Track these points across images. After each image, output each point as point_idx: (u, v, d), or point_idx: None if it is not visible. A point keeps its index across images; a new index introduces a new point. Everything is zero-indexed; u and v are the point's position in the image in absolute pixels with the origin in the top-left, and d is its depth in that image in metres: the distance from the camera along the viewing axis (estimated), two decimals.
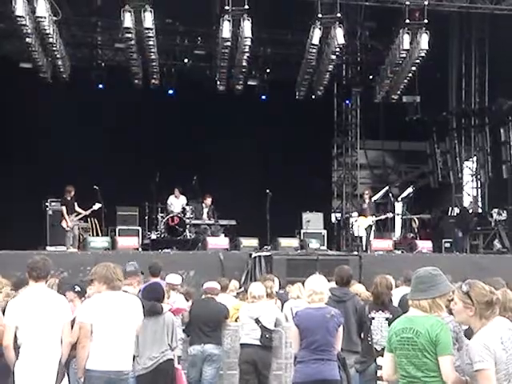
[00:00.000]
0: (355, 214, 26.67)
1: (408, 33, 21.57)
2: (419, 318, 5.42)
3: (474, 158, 28.75)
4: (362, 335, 9.32)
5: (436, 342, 5.29)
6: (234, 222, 21.62)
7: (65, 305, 7.42)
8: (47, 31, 19.72)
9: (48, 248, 19.14)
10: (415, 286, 5.51)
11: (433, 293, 5.42)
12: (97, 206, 19.81)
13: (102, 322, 7.41)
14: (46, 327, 7.15)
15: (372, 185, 30.01)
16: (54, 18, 19.95)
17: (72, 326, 7.43)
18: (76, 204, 19.76)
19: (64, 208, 19.67)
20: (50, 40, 20.24)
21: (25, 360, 7.08)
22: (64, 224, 19.64)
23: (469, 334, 5.76)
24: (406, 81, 23.50)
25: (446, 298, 5.47)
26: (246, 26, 20.59)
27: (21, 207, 21.32)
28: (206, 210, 21.60)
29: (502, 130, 27.04)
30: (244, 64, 22.52)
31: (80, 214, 19.85)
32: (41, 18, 19.13)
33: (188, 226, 21.49)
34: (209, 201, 21.55)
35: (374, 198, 26.20)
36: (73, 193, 19.84)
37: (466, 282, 5.36)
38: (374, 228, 22.51)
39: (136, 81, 23.22)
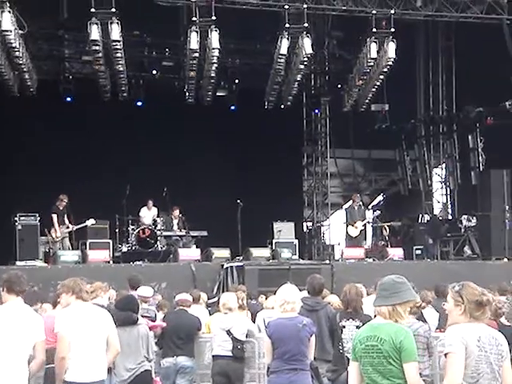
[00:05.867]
0: (327, 222, 26.81)
1: (375, 41, 21.69)
2: (383, 325, 5.41)
3: (443, 165, 28.95)
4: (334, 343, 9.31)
5: (400, 349, 5.28)
6: (205, 233, 21.57)
7: (39, 323, 7.33)
8: (13, 45, 19.56)
9: (18, 263, 18.94)
10: (378, 292, 5.54)
11: (393, 300, 5.41)
12: (90, 221, 19.74)
13: (78, 333, 7.44)
14: (17, 345, 7.04)
15: (343, 193, 30.15)
16: (20, 32, 19.79)
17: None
18: (66, 216, 19.68)
19: (55, 216, 19.53)
20: (17, 54, 20.08)
21: None
22: (53, 234, 19.51)
23: None
24: (374, 89, 23.62)
25: (408, 305, 5.47)
26: (214, 37, 20.60)
27: None
28: (175, 222, 21.57)
29: (469, 137, 27.24)
30: (212, 75, 22.51)
31: (69, 227, 19.74)
32: (6, 31, 18.99)
33: (159, 238, 21.41)
34: (177, 212, 21.53)
35: (369, 206, 26.74)
36: (65, 202, 19.70)
37: (460, 283, 5.43)
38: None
39: (104, 93, 23.12)
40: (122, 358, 8.91)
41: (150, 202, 21.71)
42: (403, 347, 5.28)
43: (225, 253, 20.49)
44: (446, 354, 5.19)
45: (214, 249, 20.61)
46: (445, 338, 5.25)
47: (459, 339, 5.17)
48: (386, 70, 22.28)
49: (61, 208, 19.79)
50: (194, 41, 20.70)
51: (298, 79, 23.36)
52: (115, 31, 20.02)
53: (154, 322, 11.00)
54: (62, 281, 17.19)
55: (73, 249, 20.40)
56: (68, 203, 19.79)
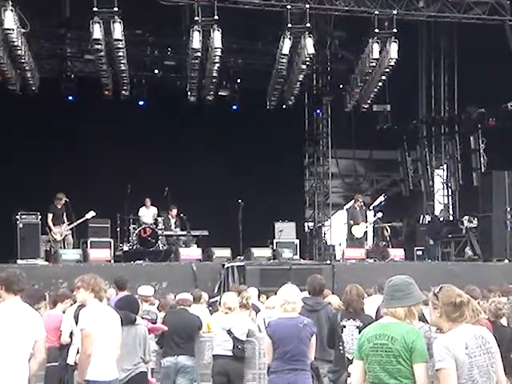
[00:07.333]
0: (328, 222, 26.80)
1: (377, 42, 21.70)
2: (394, 324, 5.41)
3: (445, 166, 28.94)
4: (335, 343, 9.29)
5: (412, 349, 5.28)
6: (206, 233, 21.55)
7: (39, 321, 7.32)
8: (15, 43, 19.57)
9: (19, 261, 18.94)
10: (391, 293, 5.50)
11: (409, 301, 5.43)
12: (90, 214, 19.72)
13: (100, 332, 7.52)
14: (17, 343, 7.01)
15: (344, 194, 30.13)
16: (23, 30, 19.79)
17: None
18: (66, 214, 19.63)
19: (50, 216, 19.48)
20: (19, 52, 20.08)
21: None
22: (54, 235, 19.44)
23: None
24: (376, 90, 23.62)
25: (419, 306, 5.48)
26: (216, 37, 20.61)
27: None
28: (173, 221, 21.54)
29: (471, 138, 27.24)
30: (214, 74, 22.50)
31: (71, 223, 19.70)
32: (9, 30, 19.01)
33: (160, 237, 21.40)
34: (174, 212, 21.50)
35: (371, 207, 26.75)
36: (63, 201, 19.64)
37: (440, 286, 5.41)
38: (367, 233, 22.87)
39: (106, 92, 23.12)
40: (119, 359, 8.90)
41: (148, 201, 21.63)
42: (415, 347, 5.27)
43: (226, 252, 20.47)
44: (437, 370, 5.15)
45: (215, 248, 20.60)
46: (433, 352, 5.20)
47: (446, 352, 5.13)
48: (387, 70, 22.29)
49: (59, 207, 19.73)
50: (196, 40, 20.70)
51: (300, 79, 23.34)
52: (117, 30, 20.02)
53: (155, 323, 10.96)
54: (62, 279, 17.23)
55: (74, 247, 20.40)
56: (68, 202, 19.73)
